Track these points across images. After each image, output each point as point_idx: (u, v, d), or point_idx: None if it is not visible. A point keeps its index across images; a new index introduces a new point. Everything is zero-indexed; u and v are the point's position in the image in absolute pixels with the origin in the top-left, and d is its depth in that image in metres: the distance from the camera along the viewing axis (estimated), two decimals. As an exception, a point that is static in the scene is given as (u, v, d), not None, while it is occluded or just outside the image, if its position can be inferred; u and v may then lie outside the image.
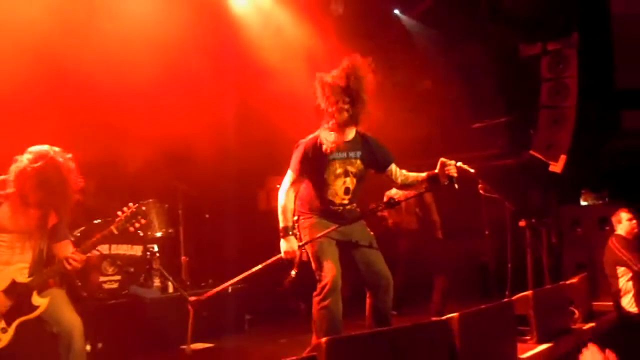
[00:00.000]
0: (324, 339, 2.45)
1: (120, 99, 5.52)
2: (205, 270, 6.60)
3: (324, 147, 3.67)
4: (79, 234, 5.39)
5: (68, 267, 3.31)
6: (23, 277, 3.27)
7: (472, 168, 5.49)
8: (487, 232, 5.68)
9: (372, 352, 2.65)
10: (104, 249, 5.46)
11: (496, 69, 7.71)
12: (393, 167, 3.90)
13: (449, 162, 3.72)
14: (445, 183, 3.71)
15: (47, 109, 4.87)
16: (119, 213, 3.51)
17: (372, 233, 3.94)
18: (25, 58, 4.73)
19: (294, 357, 2.30)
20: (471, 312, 3.16)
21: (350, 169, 3.74)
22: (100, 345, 4.85)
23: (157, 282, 5.95)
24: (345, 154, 3.73)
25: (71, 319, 3.32)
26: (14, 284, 3.23)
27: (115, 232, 3.48)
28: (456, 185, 3.72)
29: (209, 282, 6.35)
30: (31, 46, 4.78)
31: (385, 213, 6.02)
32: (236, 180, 6.96)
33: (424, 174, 3.85)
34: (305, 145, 3.74)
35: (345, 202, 3.80)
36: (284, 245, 3.71)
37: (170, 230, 6.21)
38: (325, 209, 3.77)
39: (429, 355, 2.89)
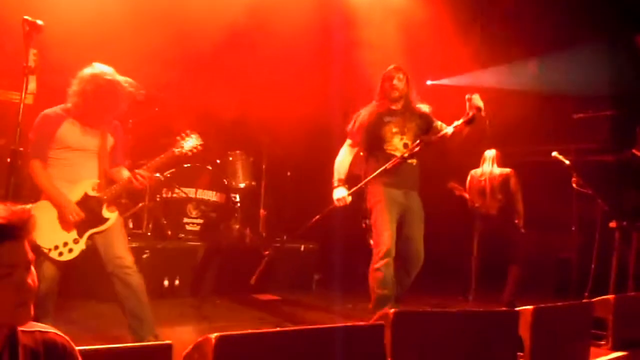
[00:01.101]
0: (392, 310, 2.47)
1: (221, 53, 5.65)
2: (281, 225, 6.77)
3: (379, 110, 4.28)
4: (169, 175, 5.68)
5: (135, 183, 3.36)
6: (94, 192, 3.34)
7: (568, 160, 5.27)
8: (574, 228, 5.44)
9: (438, 330, 2.64)
10: (190, 192, 5.74)
11: (608, 58, 7.19)
12: (438, 123, 4.36)
13: (471, 95, 4.05)
14: (473, 114, 4.01)
15: (158, 55, 5.07)
16: (178, 138, 3.56)
17: (423, 214, 4.35)
18: (143, 11, 4.94)
19: (361, 322, 2.34)
20: (547, 307, 3.07)
21: (404, 128, 4.27)
22: (177, 282, 5.14)
23: (235, 230, 6.17)
24: (398, 117, 4.30)
25: (125, 257, 3.34)
26: (86, 197, 3.31)
27: (177, 153, 3.51)
28: (483, 113, 4.02)
29: (283, 239, 6.52)
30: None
31: (465, 194, 5.87)
32: (321, 142, 7.01)
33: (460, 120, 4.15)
34: (359, 115, 4.35)
35: (405, 150, 4.22)
36: (335, 193, 4.28)
37: (253, 183, 6.38)
38: (390, 166, 4.16)
39: (496, 343, 2.85)
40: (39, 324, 1.56)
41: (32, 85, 3.27)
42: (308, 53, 6.37)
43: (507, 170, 5.70)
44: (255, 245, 5.91)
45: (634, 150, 6.86)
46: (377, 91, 4.40)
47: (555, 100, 7.20)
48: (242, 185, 6.30)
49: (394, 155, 4.20)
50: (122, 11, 4.88)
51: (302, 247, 6.19)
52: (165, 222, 5.60)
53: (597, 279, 5.17)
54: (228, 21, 5.64)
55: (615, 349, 3.84)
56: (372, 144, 4.31)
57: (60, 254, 3.22)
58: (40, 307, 3.09)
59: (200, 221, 5.78)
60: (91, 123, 3.34)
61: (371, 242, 4.38)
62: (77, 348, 1.56)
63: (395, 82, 4.29)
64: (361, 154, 4.51)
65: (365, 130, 4.30)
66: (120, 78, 3.34)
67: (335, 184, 4.33)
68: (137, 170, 3.40)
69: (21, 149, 2.77)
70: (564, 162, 5.29)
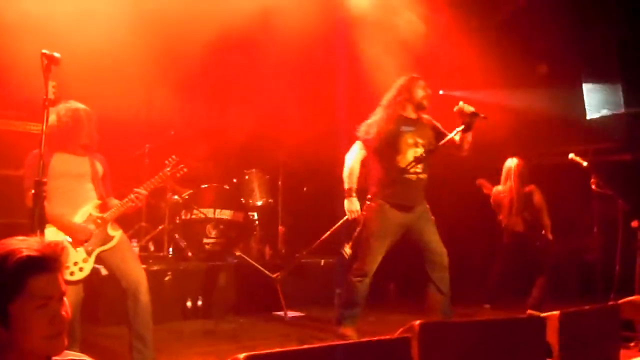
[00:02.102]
0: (417, 322, 2.45)
1: (233, 72, 5.69)
2: (300, 241, 6.78)
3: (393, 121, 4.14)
4: (186, 196, 5.74)
5: (136, 202, 3.50)
6: (98, 212, 3.49)
7: (585, 161, 5.23)
8: (595, 230, 5.38)
9: (464, 340, 2.62)
10: (208, 212, 5.78)
11: (621, 57, 7.14)
12: (446, 133, 4.26)
13: (458, 106, 4.04)
14: (469, 122, 4.02)
15: (166, 81, 5.14)
16: (166, 162, 3.72)
17: (432, 217, 4.30)
18: (155, 36, 5.02)
19: (387, 336, 2.32)
20: (573, 311, 3.02)
21: (419, 140, 4.17)
22: (200, 302, 5.16)
23: (255, 248, 6.19)
24: (413, 128, 4.18)
25: (137, 274, 3.47)
26: (91, 217, 3.45)
27: (168, 173, 3.66)
28: (483, 115, 4.02)
29: (302, 254, 6.52)
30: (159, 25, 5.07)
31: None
32: (335, 156, 7.02)
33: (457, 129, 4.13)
34: (371, 123, 4.20)
35: (418, 170, 4.14)
36: (348, 204, 4.17)
37: (270, 200, 6.42)
38: (399, 179, 4.09)
39: (524, 351, 2.81)
40: (72, 352, 1.58)
41: (53, 116, 3.35)
42: (321, 69, 6.41)
43: (529, 186, 5.61)
44: (275, 263, 5.92)
45: (651, 148, 6.78)
46: (398, 94, 4.23)
47: (568, 99, 7.14)
48: (259, 203, 6.34)
49: (405, 170, 4.10)
50: (133, 40, 4.96)
51: (322, 262, 6.19)
52: (185, 243, 5.65)
53: (622, 280, 5.10)
54: (240, 41, 5.69)
55: (645, 350, 3.78)
56: (385, 152, 4.16)
57: (72, 273, 3.32)
58: (68, 335, 3.15)
59: (220, 241, 5.81)
60: (76, 151, 3.53)
61: (346, 250, 4.30)
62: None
63: (424, 91, 4.19)
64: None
65: (381, 139, 4.13)
66: (82, 107, 3.55)
67: (348, 194, 4.19)
68: (135, 189, 3.53)
69: (45, 179, 2.81)
70: (581, 164, 5.26)
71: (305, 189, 7.28)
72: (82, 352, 1.67)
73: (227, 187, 6.07)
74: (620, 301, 3.91)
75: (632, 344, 3.85)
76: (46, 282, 1.41)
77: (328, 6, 6.20)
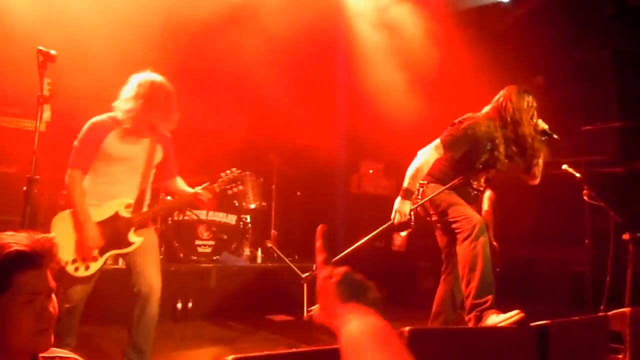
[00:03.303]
0: (407, 328, 2.45)
1: (230, 75, 5.70)
2: (292, 245, 6.78)
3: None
4: (180, 198, 5.72)
5: (201, 198, 3.34)
6: (126, 212, 3.19)
7: (578, 172, 5.25)
8: (587, 241, 5.40)
9: (454, 347, 2.62)
10: (201, 214, 5.77)
11: (616, 71, 7.19)
12: None
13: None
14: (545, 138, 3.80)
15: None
16: (222, 175, 3.49)
17: None
18: (149, 35, 5.03)
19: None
20: (563, 321, 3.03)
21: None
22: (190, 304, 5.14)
23: (247, 251, 6.18)
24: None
25: (153, 282, 3.18)
26: (116, 216, 3.15)
27: (217, 190, 3.43)
28: (555, 136, 3.81)
29: (295, 258, 6.52)
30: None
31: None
32: (330, 161, 7.05)
33: None
34: (467, 130, 3.66)
35: (481, 189, 3.90)
36: (400, 205, 3.56)
37: (263, 204, 6.42)
38: (461, 188, 3.73)
39: (512, 359, 2.82)
40: (59, 350, 1.57)
41: (47, 113, 3.30)
42: (319, 72, 6.44)
43: None
44: (267, 267, 5.92)
45: (644, 161, 6.80)
46: (501, 106, 3.77)
47: (562, 111, 7.18)
48: (252, 206, 6.34)
49: (470, 183, 3.77)
50: (131, 39, 4.97)
51: (314, 267, 6.18)
52: (177, 244, 5.63)
53: (612, 292, 5.11)
54: (236, 43, 5.71)
55: (633, 362, 3.78)
56: (461, 162, 3.73)
57: (76, 269, 3.05)
58: (64, 326, 3.05)
59: (212, 243, 5.80)
60: (140, 132, 3.22)
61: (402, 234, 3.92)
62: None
63: (534, 114, 3.72)
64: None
65: (465, 148, 3.68)
66: (160, 79, 3.25)
67: (404, 194, 3.57)
68: (197, 190, 3.39)
69: (37, 177, 2.80)
70: (574, 175, 5.28)
71: (299, 193, 7.28)
72: (79, 350, 1.65)
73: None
74: (610, 313, 3.92)
75: (620, 356, 3.84)
76: (34, 277, 1.41)
77: (326, 11, 6.24)
